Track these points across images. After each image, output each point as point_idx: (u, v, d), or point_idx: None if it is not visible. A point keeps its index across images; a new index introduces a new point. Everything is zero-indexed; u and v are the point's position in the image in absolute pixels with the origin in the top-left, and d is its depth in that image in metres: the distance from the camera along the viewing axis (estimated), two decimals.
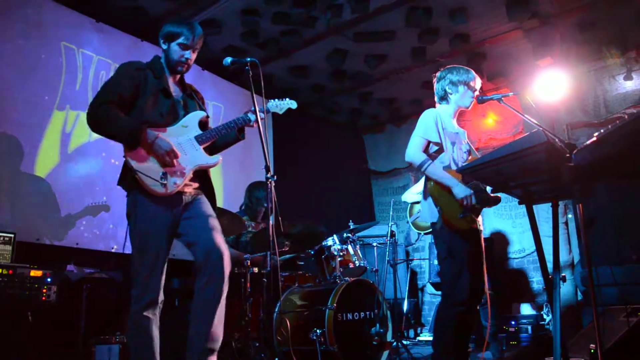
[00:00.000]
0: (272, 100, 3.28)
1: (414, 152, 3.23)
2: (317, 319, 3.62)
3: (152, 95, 2.76)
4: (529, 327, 5.50)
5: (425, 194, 3.30)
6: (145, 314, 2.60)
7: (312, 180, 7.19)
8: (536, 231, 2.99)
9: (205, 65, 6.06)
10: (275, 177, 2.99)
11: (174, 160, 2.71)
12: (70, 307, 3.93)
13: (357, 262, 4.23)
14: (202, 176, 2.92)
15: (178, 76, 2.95)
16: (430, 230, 3.33)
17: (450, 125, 3.40)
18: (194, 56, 2.91)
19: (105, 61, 5.10)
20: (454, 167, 3.27)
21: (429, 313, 7.31)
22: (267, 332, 3.72)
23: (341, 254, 4.14)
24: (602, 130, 2.13)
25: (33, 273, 3.67)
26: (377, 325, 3.85)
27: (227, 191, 5.97)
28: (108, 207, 4.76)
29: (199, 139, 2.86)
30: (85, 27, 5.00)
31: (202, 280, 2.63)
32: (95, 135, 4.88)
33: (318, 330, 3.55)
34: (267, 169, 2.99)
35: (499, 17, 5.41)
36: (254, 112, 2.99)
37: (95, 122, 2.67)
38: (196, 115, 2.90)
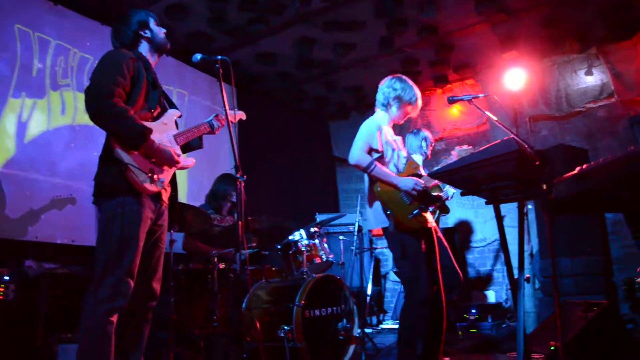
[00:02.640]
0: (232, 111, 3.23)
1: (358, 154, 3.29)
2: (285, 315, 3.61)
3: (143, 87, 2.68)
4: (489, 316, 5.64)
5: (372, 199, 3.37)
6: (111, 319, 2.50)
7: (277, 167, 7.15)
8: (503, 233, 3.05)
9: (168, 51, 5.86)
10: (245, 177, 2.95)
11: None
12: (29, 305, 3.79)
13: (323, 256, 4.23)
14: (172, 181, 2.86)
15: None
16: None
17: (390, 133, 3.51)
18: None
19: (64, 46, 4.87)
20: (395, 173, 3.38)
21: (391, 300, 7.43)
22: (235, 329, 3.69)
23: (308, 249, 4.13)
24: (585, 166, 2.16)
25: None
26: (344, 320, 3.88)
27: (192, 183, 5.85)
28: (74, 200, 4.60)
29: (177, 138, 2.82)
30: (42, 10, 4.73)
31: (133, 319, 2.63)
32: (56, 123, 4.76)
33: (286, 327, 3.55)
34: (237, 169, 2.95)
35: (468, 10, 5.44)
36: (217, 117, 3.04)
37: (103, 117, 2.50)
38: (174, 113, 2.88)
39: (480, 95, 3.28)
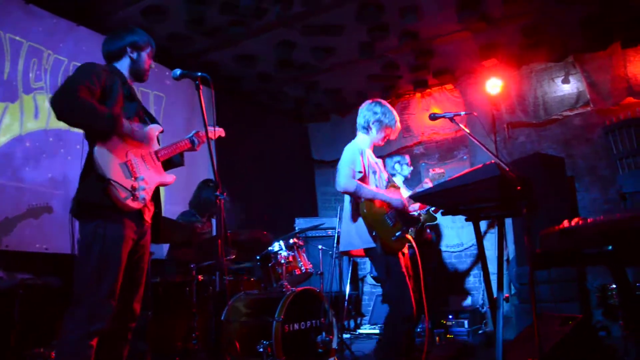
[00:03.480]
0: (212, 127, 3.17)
1: (345, 180, 3.33)
2: (264, 330, 3.58)
3: (118, 99, 2.64)
4: (466, 322, 5.70)
5: (354, 219, 3.40)
6: (91, 342, 2.40)
7: (255, 170, 7.09)
8: (482, 249, 3.07)
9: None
10: (225, 194, 2.91)
11: (144, 173, 2.63)
12: (1, 319, 3.69)
13: (302, 268, 4.21)
14: (156, 198, 2.81)
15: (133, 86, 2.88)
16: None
17: (371, 155, 3.61)
18: None
19: (38, 48, 4.72)
20: None
21: (369, 303, 7.46)
22: (213, 343, 3.65)
23: (287, 261, 4.11)
24: (574, 224, 2.18)
25: None
26: (323, 333, 3.87)
27: (168, 190, 5.75)
28: (47, 207, 4.49)
29: (158, 154, 2.78)
30: (12, 9, 4.57)
31: (111, 340, 2.54)
32: (29, 128, 4.62)
33: (265, 342, 3.52)
34: (217, 187, 2.90)
35: (449, 17, 5.45)
36: (197, 134, 3.02)
37: (71, 110, 2.44)
38: (156, 128, 2.85)
39: (462, 112, 3.29)
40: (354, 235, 3.37)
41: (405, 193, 5.01)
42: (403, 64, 6.56)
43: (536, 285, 5.26)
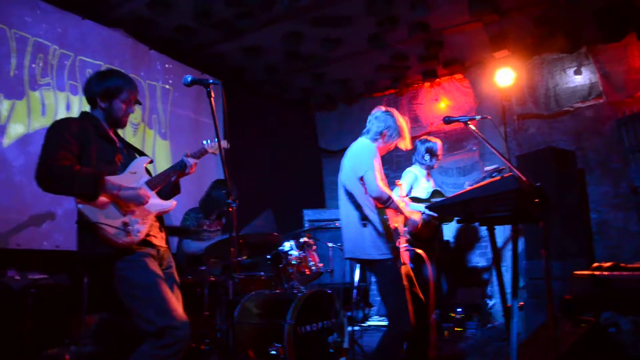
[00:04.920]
0: (205, 141, 3.10)
1: (377, 187, 3.29)
2: (276, 332, 3.58)
3: (94, 144, 2.60)
4: (475, 316, 5.71)
5: (365, 227, 3.34)
6: None
7: (263, 158, 7.07)
8: (497, 256, 3.05)
9: (152, 44, 5.69)
10: (237, 201, 2.88)
11: (132, 209, 2.59)
12: (14, 318, 3.70)
13: (313, 268, 4.20)
14: (162, 225, 2.82)
15: (112, 130, 2.82)
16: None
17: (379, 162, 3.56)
18: None
19: (43, 43, 4.66)
20: None
21: (376, 293, 7.47)
22: (225, 343, 3.66)
23: (298, 261, 4.10)
24: (606, 273, 2.14)
25: None
26: (335, 334, 3.88)
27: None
28: (57, 203, 4.49)
29: (150, 184, 2.74)
30: (17, 5, 4.51)
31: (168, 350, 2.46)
32: (36, 125, 4.59)
33: (277, 344, 3.53)
34: (229, 194, 2.87)
35: (461, 9, 5.35)
36: (191, 155, 2.95)
37: (51, 183, 2.42)
38: (142, 161, 2.81)
39: (477, 117, 3.22)
40: (368, 243, 3.29)
41: (426, 184, 4.93)
42: (412, 54, 6.47)
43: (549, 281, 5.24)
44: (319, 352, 3.81)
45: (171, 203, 2.81)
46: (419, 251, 3.48)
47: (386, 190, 3.29)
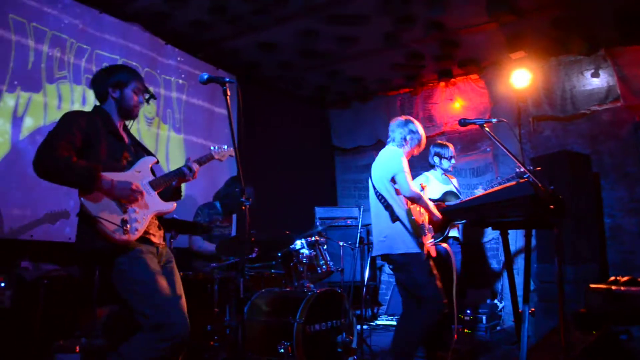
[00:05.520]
0: (213, 147, 3.19)
1: (412, 187, 3.66)
2: (285, 330, 3.59)
3: (104, 140, 2.65)
4: (484, 317, 5.67)
5: (394, 223, 3.69)
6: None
7: (275, 154, 7.07)
8: (509, 261, 3.03)
9: (168, 39, 5.71)
10: (250, 200, 2.88)
11: (135, 205, 2.62)
12: (25, 310, 3.74)
13: (324, 266, 4.21)
14: (160, 224, 2.86)
15: (122, 123, 2.88)
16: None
17: None
18: None
19: (61, 36, 4.70)
20: None
21: (386, 292, 7.46)
22: (233, 341, 3.68)
23: (309, 260, 4.10)
24: (622, 288, 2.12)
25: None
26: (344, 333, 3.88)
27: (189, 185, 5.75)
28: (70, 195, 4.50)
29: (153, 184, 2.77)
30: None
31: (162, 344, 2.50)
32: (52, 118, 4.62)
33: (286, 343, 3.54)
34: (242, 192, 2.87)
35: (478, 10, 5.30)
36: (196, 161, 3.01)
37: (47, 170, 2.47)
38: (148, 161, 2.85)
39: (494, 120, 3.19)
40: (398, 239, 3.61)
41: (439, 187, 4.95)
42: (428, 53, 6.42)
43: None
44: (328, 351, 3.82)
45: (172, 205, 2.84)
46: (445, 245, 3.95)
47: (417, 190, 3.66)
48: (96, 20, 5.00)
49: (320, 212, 6.81)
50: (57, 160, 2.44)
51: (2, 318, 3.53)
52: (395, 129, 3.94)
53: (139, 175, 2.74)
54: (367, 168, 7.89)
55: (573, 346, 3.66)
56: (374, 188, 3.82)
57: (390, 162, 3.75)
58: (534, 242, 6.06)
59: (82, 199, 2.49)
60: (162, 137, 5.62)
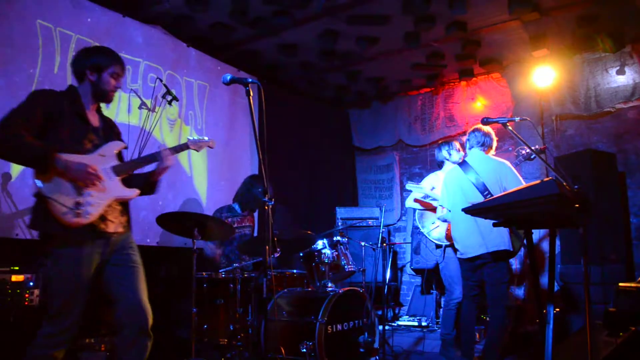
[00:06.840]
0: (190, 137, 3.27)
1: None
2: (308, 330, 3.61)
3: (68, 122, 2.65)
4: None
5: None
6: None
7: (295, 155, 7.09)
8: (533, 261, 2.99)
9: (190, 41, 5.77)
10: (273, 201, 2.90)
11: (93, 188, 2.62)
12: None
13: (346, 267, 4.21)
14: (125, 210, 2.86)
15: (96, 106, 2.89)
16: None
17: None
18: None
19: (86, 40, 4.77)
20: None
21: (407, 293, 7.44)
22: (256, 341, 3.70)
23: (331, 260, 4.11)
24: None
25: (14, 278, 3.55)
26: (366, 333, 3.88)
27: (212, 187, 5.80)
28: None
29: (116, 170, 2.78)
30: (62, 3, 4.62)
31: (127, 339, 2.66)
32: None
33: (308, 343, 3.55)
34: (265, 192, 2.90)
35: (500, 8, 5.25)
36: (170, 149, 3.05)
37: (1, 148, 2.50)
38: (114, 145, 2.84)
39: (516, 119, 3.17)
40: (505, 236, 4.00)
41: None
42: (449, 53, 6.39)
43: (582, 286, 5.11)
44: (349, 351, 3.82)
45: (134, 191, 2.84)
46: None
47: None
48: (119, 24, 5.07)
49: (341, 212, 6.82)
50: (10, 138, 2.45)
51: (31, 316, 3.60)
52: (480, 137, 4.52)
53: (102, 159, 2.72)
54: (388, 168, 8.00)
55: (599, 348, 3.61)
56: (487, 190, 4.09)
57: (511, 169, 4.24)
58: (557, 241, 5.98)
59: (35, 180, 2.51)
60: (185, 139, 5.64)
